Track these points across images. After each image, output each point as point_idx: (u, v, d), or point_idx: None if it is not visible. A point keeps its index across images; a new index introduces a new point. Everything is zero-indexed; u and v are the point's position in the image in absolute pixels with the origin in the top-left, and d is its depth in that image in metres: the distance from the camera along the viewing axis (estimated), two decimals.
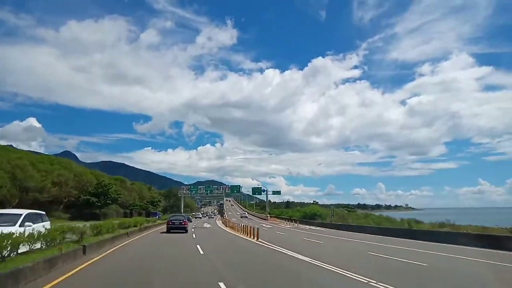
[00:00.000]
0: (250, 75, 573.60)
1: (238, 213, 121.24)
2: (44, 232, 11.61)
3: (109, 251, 15.76)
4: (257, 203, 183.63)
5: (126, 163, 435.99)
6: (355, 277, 9.85)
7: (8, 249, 8.95)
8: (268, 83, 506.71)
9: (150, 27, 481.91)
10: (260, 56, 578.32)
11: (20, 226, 11.75)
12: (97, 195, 63.97)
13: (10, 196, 45.47)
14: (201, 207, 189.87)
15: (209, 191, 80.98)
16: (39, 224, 13.29)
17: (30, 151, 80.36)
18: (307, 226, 49.99)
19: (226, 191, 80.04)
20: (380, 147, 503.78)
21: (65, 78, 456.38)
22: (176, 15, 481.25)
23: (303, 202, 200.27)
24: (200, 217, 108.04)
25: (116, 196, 68.77)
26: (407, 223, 37.97)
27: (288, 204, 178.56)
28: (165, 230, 31.46)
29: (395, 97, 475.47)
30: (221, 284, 8.46)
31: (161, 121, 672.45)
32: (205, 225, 52.27)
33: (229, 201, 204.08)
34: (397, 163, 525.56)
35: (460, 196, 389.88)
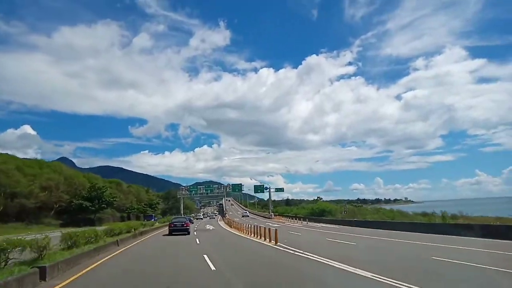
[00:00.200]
0: (245, 75, 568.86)
1: (239, 212, 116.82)
2: None
3: (85, 270, 11.29)
4: (256, 202, 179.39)
5: (124, 167, 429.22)
6: None
7: None
8: (263, 83, 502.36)
9: (142, 31, 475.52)
10: (253, 56, 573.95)
11: None
12: (91, 199, 59.31)
13: None
14: (201, 208, 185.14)
15: (209, 191, 76.38)
16: None
17: (26, 158, 75.46)
18: (318, 224, 45.75)
19: (227, 190, 75.54)
20: (377, 142, 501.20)
21: (59, 84, 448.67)
22: (168, 18, 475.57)
23: (303, 199, 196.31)
24: (201, 218, 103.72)
25: (111, 199, 64.13)
26: (442, 218, 33.67)
27: (288, 202, 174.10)
28: (165, 234, 30.42)
29: (390, 92, 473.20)
30: None
31: (157, 124, 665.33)
32: (207, 226, 47.82)
33: (229, 200, 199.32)
34: (394, 157, 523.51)
35: (458, 188, 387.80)
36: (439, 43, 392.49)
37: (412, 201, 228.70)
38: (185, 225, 30.09)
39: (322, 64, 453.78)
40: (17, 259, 9.40)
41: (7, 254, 8.51)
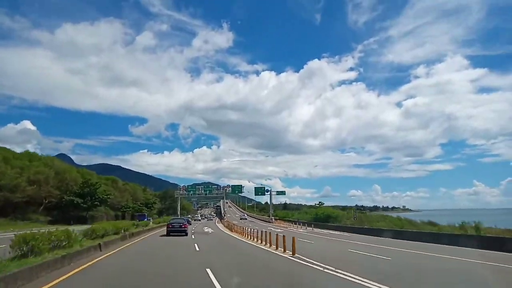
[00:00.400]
0: (246, 78, 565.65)
1: (237, 215, 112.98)
2: None
3: None
4: (253, 205, 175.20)
5: (122, 166, 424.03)
6: None
7: None
8: (264, 86, 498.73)
9: (146, 30, 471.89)
10: (256, 59, 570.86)
11: None
12: (83, 195, 55.50)
13: None
14: (198, 209, 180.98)
15: (208, 192, 72.48)
16: None
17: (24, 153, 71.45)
18: (324, 230, 42.08)
19: (227, 191, 71.74)
20: (376, 149, 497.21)
21: (60, 80, 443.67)
22: (172, 18, 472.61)
23: (301, 204, 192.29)
24: (199, 220, 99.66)
25: (105, 196, 60.30)
26: (475, 229, 30.02)
27: (285, 206, 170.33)
28: (162, 235, 29.41)
29: (391, 99, 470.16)
30: None
31: (157, 124, 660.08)
32: (205, 229, 44.06)
33: (227, 203, 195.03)
34: (393, 164, 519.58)
35: (456, 197, 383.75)
36: (440, 51, 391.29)
37: (410, 210, 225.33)
38: (183, 226, 29.44)
39: (323, 68, 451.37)
40: None
41: None
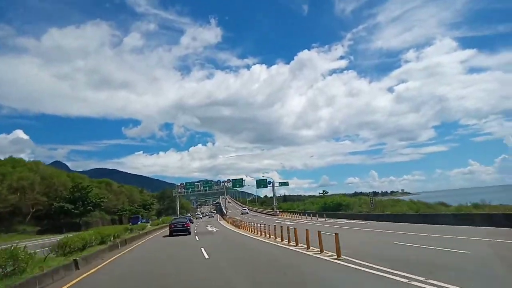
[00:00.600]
0: (237, 72, 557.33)
1: (238, 210, 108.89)
2: None
3: None
4: (252, 199, 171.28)
5: (118, 169, 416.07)
6: None
7: None
8: (256, 79, 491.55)
9: (133, 31, 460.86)
10: (246, 53, 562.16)
11: None
12: (74, 201, 50.84)
13: None
14: (197, 208, 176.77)
15: (207, 188, 68.04)
16: None
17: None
18: (338, 220, 38.11)
19: (227, 185, 67.38)
20: (370, 135, 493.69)
21: (49, 87, 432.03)
22: (158, 17, 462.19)
23: (300, 195, 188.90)
24: (201, 217, 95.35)
25: (99, 200, 55.66)
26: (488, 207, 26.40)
27: (285, 198, 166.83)
28: (159, 239, 27.22)
29: (382, 85, 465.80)
30: None
31: (151, 124, 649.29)
32: (209, 227, 39.83)
33: (226, 198, 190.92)
34: (387, 150, 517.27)
35: (451, 178, 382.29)
36: (429, 34, 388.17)
37: (409, 193, 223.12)
38: (185, 225, 28.93)
39: (314, 59, 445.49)
40: None
41: None
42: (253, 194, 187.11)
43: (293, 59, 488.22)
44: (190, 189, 67.12)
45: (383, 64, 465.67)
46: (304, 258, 11.91)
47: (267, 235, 21.68)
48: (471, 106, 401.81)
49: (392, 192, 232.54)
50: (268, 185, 68.03)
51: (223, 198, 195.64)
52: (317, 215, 43.40)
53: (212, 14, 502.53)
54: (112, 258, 14.85)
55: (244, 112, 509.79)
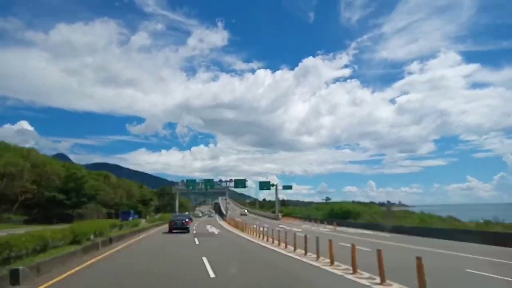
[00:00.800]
0: (242, 76, 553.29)
1: (237, 211, 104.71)
2: None
3: None
4: (251, 202, 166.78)
5: (121, 165, 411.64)
6: None
7: None
8: (260, 84, 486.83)
9: (141, 30, 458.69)
10: (251, 57, 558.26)
11: None
12: (67, 191, 46.75)
13: None
14: (196, 206, 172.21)
15: (208, 187, 63.86)
16: None
17: None
18: (353, 229, 33.91)
19: (229, 185, 63.11)
20: (370, 145, 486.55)
21: (56, 81, 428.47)
22: (166, 18, 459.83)
23: (298, 200, 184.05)
24: (200, 216, 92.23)
25: (94, 192, 51.57)
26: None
27: (284, 203, 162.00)
28: (154, 239, 23.99)
29: (385, 96, 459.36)
30: None
31: (155, 123, 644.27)
32: (210, 228, 35.65)
33: (225, 199, 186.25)
34: (387, 160, 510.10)
35: (449, 193, 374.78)
36: (434, 47, 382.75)
37: (406, 205, 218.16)
38: (185, 223, 28.76)
39: (318, 66, 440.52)
40: None
41: None
42: (251, 197, 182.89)
43: (297, 65, 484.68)
44: (191, 186, 62.95)
45: (387, 75, 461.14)
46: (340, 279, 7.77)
47: (277, 242, 17.67)
48: (472, 122, 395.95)
49: (389, 203, 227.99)
50: (271, 188, 63.93)
51: (222, 198, 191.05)
52: (325, 222, 39.12)
53: (219, 17, 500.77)
54: (80, 267, 10.71)
55: (247, 116, 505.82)
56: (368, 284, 8.00)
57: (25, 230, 10.84)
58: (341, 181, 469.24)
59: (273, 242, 19.48)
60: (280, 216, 59.74)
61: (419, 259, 7.11)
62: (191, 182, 63.05)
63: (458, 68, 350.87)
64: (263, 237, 22.45)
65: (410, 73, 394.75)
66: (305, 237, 14.43)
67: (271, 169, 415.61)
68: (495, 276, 9.45)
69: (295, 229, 33.06)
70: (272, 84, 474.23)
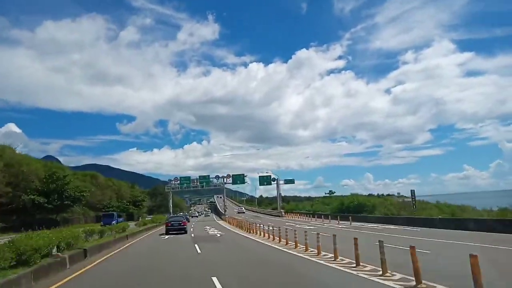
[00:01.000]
0: (234, 70, 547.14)
1: (235, 210, 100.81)
2: None
3: None
4: (248, 199, 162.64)
5: (111, 165, 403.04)
6: None
7: None
8: (253, 77, 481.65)
9: (129, 25, 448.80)
10: (243, 50, 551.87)
11: None
12: (47, 193, 41.78)
13: None
14: (191, 206, 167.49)
15: (204, 183, 59.35)
16: None
17: None
18: (371, 225, 30.00)
19: (226, 181, 58.70)
20: (366, 137, 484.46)
21: (43, 80, 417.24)
22: (155, 12, 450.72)
23: (296, 196, 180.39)
24: (197, 216, 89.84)
25: (79, 194, 46.58)
26: None
27: (282, 199, 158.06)
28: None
29: (380, 86, 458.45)
30: None
31: (145, 121, 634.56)
32: (209, 229, 31.37)
33: (220, 197, 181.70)
34: (383, 152, 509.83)
35: (446, 182, 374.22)
36: (427, 36, 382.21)
37: (405, 196, 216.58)
38: (182, 224, 27.62)
39: (312, 58, 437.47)
40: None
41: None
42: (247, 194, 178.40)
43: (291, 57, 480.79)
44: (185, 184, 58.48)
45: (381, 65, 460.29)
46: None
47: (293, 243, 13.79)
48: (467, 110, 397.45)
49: (388, 195, 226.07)
50: (272, 182, 59.81)
51: (217, 197, 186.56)
52: (338, 217, 35.10)
53: (210, 10, 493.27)
54: None
55: (240, 111, 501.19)
56: None
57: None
58: (338, 175, 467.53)
59: (286, 243, 15.76)
60: (283, 213, 55.74)
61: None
62: (185, 180, 58.53)
63: (452, 56, 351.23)
64: (273, 238, 18.50)
65: (404, 63, 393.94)
66: (334, 237, 10.94)
67: (266, 164, 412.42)
68: None
69: (307, 227, 29.02)
70: (265, 78, 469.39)
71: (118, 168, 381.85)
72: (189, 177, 60.04)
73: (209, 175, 59.97)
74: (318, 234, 13.04)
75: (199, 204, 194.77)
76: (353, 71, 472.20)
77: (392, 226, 27.21)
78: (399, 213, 33.16)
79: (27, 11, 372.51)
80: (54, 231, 13.16)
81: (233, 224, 37.39)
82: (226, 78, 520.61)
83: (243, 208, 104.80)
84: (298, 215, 51.01)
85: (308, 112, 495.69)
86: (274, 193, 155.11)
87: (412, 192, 29.94)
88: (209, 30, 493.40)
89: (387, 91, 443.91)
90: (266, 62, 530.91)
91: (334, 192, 68.09)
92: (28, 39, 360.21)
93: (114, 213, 43.66)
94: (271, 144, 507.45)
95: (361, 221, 32.92)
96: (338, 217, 35.16)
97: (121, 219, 43.53)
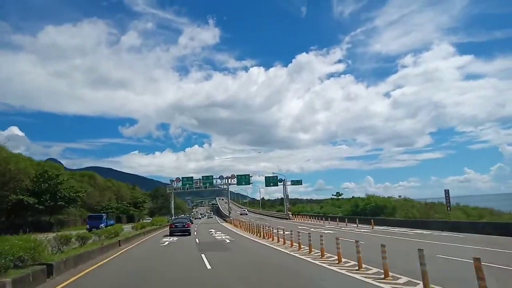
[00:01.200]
0: (235, 74, 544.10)
1: (237, 211, 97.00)
2: None
3: None
4: (250, 201, 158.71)
5: (113, 168, 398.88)
6: None
7: None
8: (254, 81, 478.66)
9: (130, 30, 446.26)
10: (244, 55, 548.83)
11: None
12: (38, 193, 38.04)
13: None
14: (192, 208, 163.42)
15: (208, 184, 55.41)
16: None
17: None
18: (398, 229, 26.12)
19: (231, 182, 54.79)
20: (367, 140, 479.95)
21: (45, 84, 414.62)
22: (156, 16, 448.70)
23: (297, 198, 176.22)
24: (200, 218, 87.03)
25: (74, 195, 42.78)
26: None
27: (282, 201, 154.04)
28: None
29: (379, 90, 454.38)
30: None
31: (148, 124, 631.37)
32: (214, 233, 27.50)
33: (222, 199, 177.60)
34: (384, 155, 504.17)
35: (446, 185, 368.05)
36: (426, 39, 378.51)
37: (408, 199, 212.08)
38: (186, 225, 27.32)
39: (312, 62, 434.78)
40: None
41: None
42: (248, 196, 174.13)
43: (291, 61, 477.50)
44: (188, 185, 54.60)
45: (381, 69, 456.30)
46: None
47: (319, 251, 10.12)
48: (467, 113, 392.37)
49: (389, 198, 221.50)
50: (279, 183, 55.93)
51: (219, 199, 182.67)
52: (356, 220, 31.17)
53: (211, 15, 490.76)
54: None
55: (241, 114, 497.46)
56: None
57: None
58: (338, 178, 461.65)
59: (310, 251, 12.17)
60: (290, 215, 51.80)
61: None
62: (187, 180, 54.73)
63: (451, 59, 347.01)
64: (291, 244, 14.89)
65: (404, 66, 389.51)
66: (383, 248, 7.95)
67: (267, 167, 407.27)
68: None
69: (324, 231, 25.19)
70: (265, 82, 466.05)
71: (120, 171, 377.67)
72: (192, 177, 56.15)
73: (212, 175, 56.00)
74: (357, 242, 9.51)
75: (201, 206, 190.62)
76: (352, 74, 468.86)
77: (424, 231, 23.35)
78: (428, 216, 29.24)
79: (28, 17, 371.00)
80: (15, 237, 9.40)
81: (240, 227, 33.48)
82: (227, 82, 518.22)
83: (246, 210, 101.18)
84: (306, 217, 47.16)
85: (309, 116, 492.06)
86: (275, 195, 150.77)
87: (447, 192, 26.04)
88: (210, 34, 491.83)
89: (387, 95, 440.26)
90: (267, 66, 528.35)
91: (342, 194, 64.03)
92: (30, 44, 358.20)
93: (103, 214, 39.04)
94: (272, 147, 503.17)
95: (380, 225, 29.03)
96: (357, 220, 31.21)
97: (111, 222, 39.04)
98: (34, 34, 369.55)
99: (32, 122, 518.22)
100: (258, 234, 23.13)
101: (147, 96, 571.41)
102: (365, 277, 8.14)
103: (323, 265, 10.23)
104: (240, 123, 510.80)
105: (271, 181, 55.83)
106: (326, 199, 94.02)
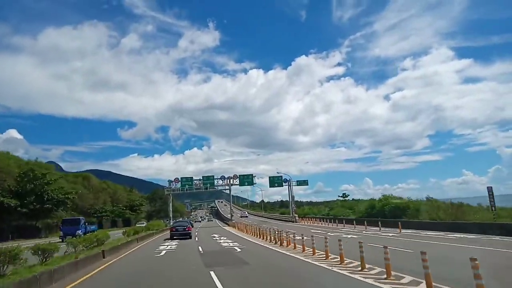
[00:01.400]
0: (234, 76, 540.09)
1: (238, 214, 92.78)
2: None
3: None
4: (249, 204, 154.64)
5: (113, 171, 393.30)
6: None
7: None
8: (253, 84, 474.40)
9: (131, 32, 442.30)
10: (243, 57, 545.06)
11: None
12: (22, 195, 33.88)
13: None
14: (191, 211, 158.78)
15: (208, 185, 51.25)
16: None
17: None
18: (431, 232, 22.24)
19: (233, 182, 50.66)
20: (366, 143, 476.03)
21: (45, 87, 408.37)
22: (157, 19, 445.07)
23: (297, 200, 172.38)
24: (200, 221, 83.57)
25: (63, 196, 38.61)
26: None
27: (282, 204, 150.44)
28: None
29: (379, 93, 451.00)
30: None
31: (147, 127, 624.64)
32: (218, 238, 23.51)
33: (222, 202, 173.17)
34: (382, 157, 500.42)
35: (445, 187, 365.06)
36: (425, 43, 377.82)
37: (410, 199, 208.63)
38: (187, 229, 26.94)
39: (311, 65, 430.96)
40: None
41: None
42: (247, 199, 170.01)
43: (290, 64, 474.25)
44: (187, 185, 50.50)
45: (380, 72, 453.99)
46: None
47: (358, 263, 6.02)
48: (466, 116, 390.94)
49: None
50: (284, 184, 52.01)
51: (219, 201, 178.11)
52: (379, 223, 27.25)
53: (211, 18, 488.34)
54: None
55: (241, 117, 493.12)
56: None
57: None
58: (338, 180, 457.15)
59: (342, 261, 7.96)
60: (297, 218, 47.81)
61: None
62: (186, 181, 50.63)
63: (450, 63, 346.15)
64: (313, 252, 10.99)
65: (403, 70, 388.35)
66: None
67: (266, 170, 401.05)
68: None
69: (345, 236, 21.34)
70: (265, 84, 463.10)
71: (119, 174, 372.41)
72: (191, 177, 52.09)
73: (213, 176, 51.88)
74: (423, 254, 5.62)
75: (200, 209, 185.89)
76: (352, 77, 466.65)
77: (467, 235, 19.53)
78: (456, 218, 25.44)
79: (28, 18, 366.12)
80: None
81: (246, 231, 29.43)
82: (226, 84, 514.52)
83: (246, 213, 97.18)
84: (314, 220, 43.24)
85: (308, 119, 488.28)
86: (275, 198, 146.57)
87: (489, 189, 22.18)
88: (209, 37, 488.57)
89: (386, 98, 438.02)
90: (266, 68, 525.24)
91: (348, 195, 60.12)
92: (29, 46, 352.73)
93: (81, 218, 32.82)
94: (271, 150, 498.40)
95: (405, 228, 25.16)
96: (379, 222, 27.28)
97: (93, 227, 33.59)
98: (34, 36, 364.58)
99: (31, 125, 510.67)
100: (268, 239, 19.16)
101: (146, 99, 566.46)
102: None
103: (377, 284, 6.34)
104: (239, 125, 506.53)
105: (275, 181, 51.85)
106: (328, 201, 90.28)
